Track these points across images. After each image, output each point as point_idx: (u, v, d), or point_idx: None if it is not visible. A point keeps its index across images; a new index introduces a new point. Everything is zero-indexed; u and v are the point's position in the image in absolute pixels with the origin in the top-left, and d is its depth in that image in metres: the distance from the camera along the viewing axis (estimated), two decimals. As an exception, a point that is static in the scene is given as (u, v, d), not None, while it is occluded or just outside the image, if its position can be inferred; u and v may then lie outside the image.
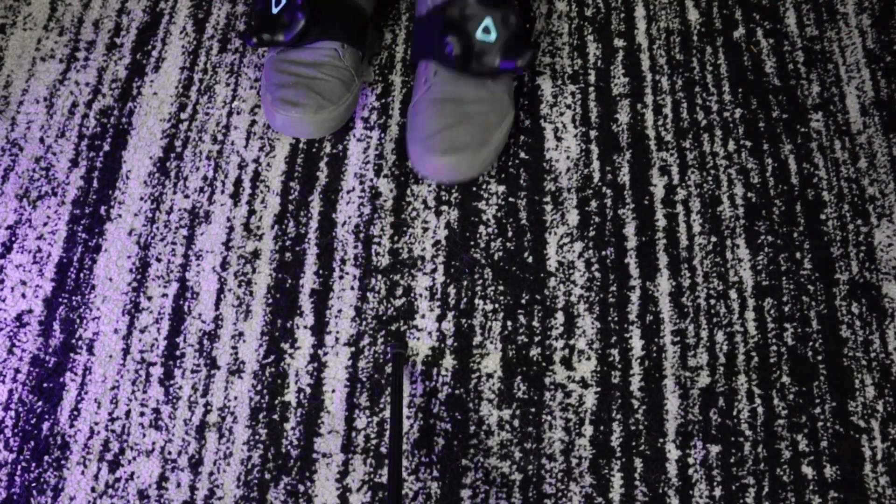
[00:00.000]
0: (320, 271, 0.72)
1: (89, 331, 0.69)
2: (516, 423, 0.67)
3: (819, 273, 0.73)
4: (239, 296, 0.71)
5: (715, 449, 0.66)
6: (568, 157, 0.77)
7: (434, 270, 0.72)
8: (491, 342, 0.69)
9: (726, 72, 0.82)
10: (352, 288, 0.71)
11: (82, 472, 0.65)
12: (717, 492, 0.65)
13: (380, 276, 0.72)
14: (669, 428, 0.67)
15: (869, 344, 0.70)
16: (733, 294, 0.72)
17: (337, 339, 0.69)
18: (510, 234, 0.74)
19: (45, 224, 0.73)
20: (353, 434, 0.66)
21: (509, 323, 0.70)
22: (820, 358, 0.70)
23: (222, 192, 0.75)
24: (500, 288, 0.72)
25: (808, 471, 0.66)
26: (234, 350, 0.69)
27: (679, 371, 0.69)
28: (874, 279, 0.73)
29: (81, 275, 0.71)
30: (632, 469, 0.65)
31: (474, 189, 0.76)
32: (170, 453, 0.65)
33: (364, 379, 0.68)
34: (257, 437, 0.66)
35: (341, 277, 0.72)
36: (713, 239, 0.74)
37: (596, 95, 0.81)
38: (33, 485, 0.64)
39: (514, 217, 0.75)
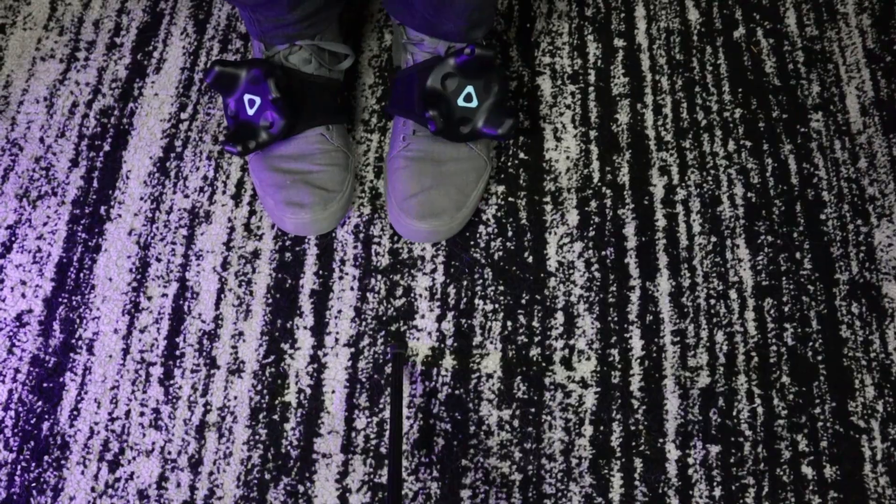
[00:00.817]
0: (320, 272, 0.72)
1: (89, 331, 0.69)
2: (516, 423, 0.67)
3: (819, 273, 0.73)
4: (239, 296, 0.71)
5: (715, 449, 0.66)
6: (568, 158, 0.77)
7: (434, 270, 0.72)
8: (491, 342, 0.69)
9: (726, 72, 0.82)
10: (352, 288, 0.71)
11: (82, 472, 0.65)
12: (717, 492, 0.65)
13: (380, 277, 0.72)
14: (669, 428, 0.67)
15: (869, 344, 0.70)
16: (733, 294, 0.72)
17: (337, 340, 0.69)
18: (510, 234, 0.74)
19: (45, 224, 0.73)
20: (353, 434, 0.66)
21: (509, 323, 0.70)
22: (820, 358, 0.70)
23: (223, 192, 0.75)
24: (500, 288, 0.72)
25: (808, 471, 0.66)
26: (234, 350, 0.69)
27: (679, 371, 0.69)
28: (874, 279, 0.73)
29: (81, 275, 0.71)
30: (632, 469, 0.65)
31: (474, 189, 0.76)
32: (170, 453, 0.65)
33: (364, 379, 0.68)
34: (257, 437, 0.66)
35: (341, 278, 0.72)
36: (713, 239, 0.74)
37: (596, 95, 0.81)
38: (33, 485, 0.64)
39: (514, 217, 0.75)
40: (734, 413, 0.68)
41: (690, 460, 0.66)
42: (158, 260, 0.72)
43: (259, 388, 0.68)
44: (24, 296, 0.71)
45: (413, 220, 0.67)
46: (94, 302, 0.70)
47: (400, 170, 0.69)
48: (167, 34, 0.83)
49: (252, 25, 0.69)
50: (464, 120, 0.67)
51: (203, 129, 0.78)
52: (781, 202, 0.76)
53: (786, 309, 0.72)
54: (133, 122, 0.78)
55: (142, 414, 0.67)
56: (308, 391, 0.67)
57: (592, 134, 0.79)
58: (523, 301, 0.71)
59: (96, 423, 0.66)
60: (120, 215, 0.74)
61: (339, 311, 0.70)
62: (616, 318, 0.71)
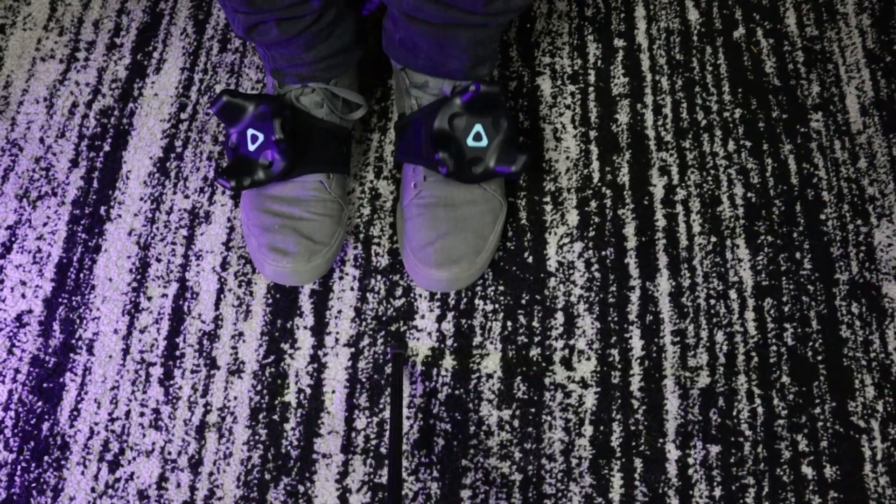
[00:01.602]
0: (320, 271, 0.72)
1: (89, 331, 0.69)
2: (516, 423, 0.67)
3: (819, 273, 0.73)
4: (239, 296, 0.71)
5: (715, 449, 0.66)
6: (567, 158, 0.77)
7: (434, 270, 0.72)
8: (491, 342, 0.69)
9: (726, 72, 0.82)
10: (352, 288, 0.71)
11: (82, 473, 0.65)
12: (717, 492, 0.65)
13: (379, 277, 0.72)
14: (669, 428, 0.67)
15: (869, 344, 0.70)
16: (733, 294, 0.72)
17: (337, 340, 0.69)
18: (510, 234, 0.74)
19: (45, 224, 0.73)
20: (353, 434, 0.66)
21: (509, 323, 0.70)
22: (820, 358, 0.70)
23: (223, 192, 0.75)
24: (500, 288, 0.72)
25: (808, 471, 0.66)
26: (234, 350, 0.69)
27: (679, 371, 0.69)
28: (874, 279, 0.73)
29: (81, 275, 0.71)
30: (632, 469, 0.65)
31: (474, 189, 0.76)
32: (170, 453, 0.65)
33: (364, 379, 0.68)
34: (257, 437, 0.66)
35: (341, 278, 0.72)
36: (713, 239, 0.74)
37: (596, 95, 0.81)
38: (33, 485, 0.64)
39: (514, 217, 0.75)
40: (734, 413, 0.68)
41: (690, 460, 0.66)
42: (158, 260, 0.72)
43: (259, 388, 0.68)
44: (24, 296, 0.71)
45: (431, 269, 0.64)
46: (94, 302, 0.70)
47: (414, 218, 0.67)
48: (167, 34, 0.83)
49: (267, 60, 0.68)
50: (475, 160, 0.65)
51: (203, 129, 0.78)
52: (781, 202, 0.76)
53: (786, 309, 0.72)
54: (133, 123, 0.78)
55: (142, 414, 0.67)
56: (308, 391, 0.68)
57: (592, 134, 0.79)
58: (523, 301, 0.71)
59: (96, 424, 0.66)
60: (120, 215, 0.74)
61: (340, 311, 0.70)
62: (616, 318, 0.71)
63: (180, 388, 0.67)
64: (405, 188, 0.70)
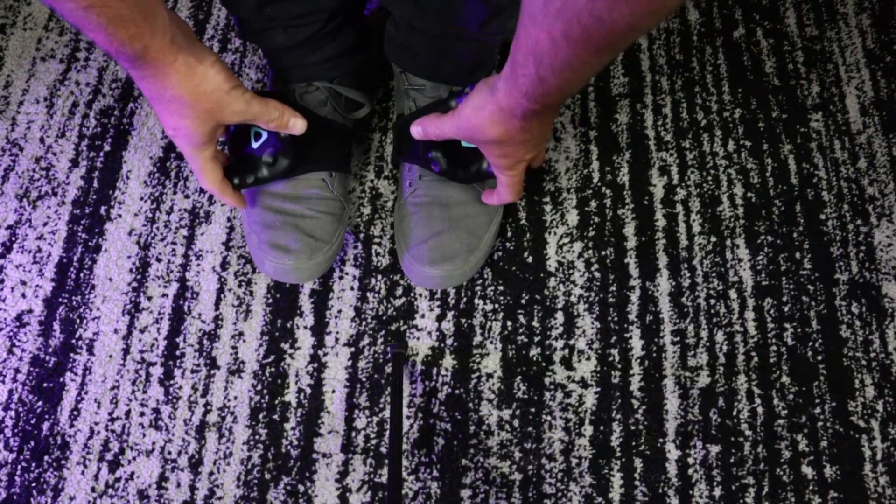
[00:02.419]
0: (320, 271, 0.72)
1: (89, 331, 0.69)
2: (516, 422, 0.67)
3: (819, 273, 0.73)
4: (239, 296, 0.71)
5: (715, 449, 0.66)
6: (567, 158, 0.77)
7: (434, 270, 0.72)
8: (491, 342, 0.69)
9: (726, 72, 0.82)
10: (352, 288, 0.71)
11: (82, 472, 0.65)
12: (717, 492, 0.65)
13: (380, 277, 0.72)
14: (669, 428, 0.67)
15: (869, 344, 0.70)
16: (733, 294, 0.72)
17: (337, 340, 0.69)
18: (510, 234, 0.74)
19: (46, 224, 0.73)
20: (353, 434, 0.66)
21: (509, 323, 0.70)
22: (820, 358, 0.70)
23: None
24: (500, 288, 0.72)
25: (808, 471, 0.66)
26: (234, 350, 0.69)
27: (679, 371, 0.69)
28: (874, 279, 0.73)
29: (81, 275, 0.71)
30: (632, 469, 0.65)
31: (474, 189, 0.76)
32: (170, 453, 0.65)
33: (364, 379, 0.68)
34: (257, 437, 0.66)
35: (341, 278, 0.72)
36: (713, 239, 0.74)
37: (595, 95, 0.81)
38: (33, 485, 0.64)
39: (514, 217, 0.75)
40: (734, 413, 0.68)
41: (690, 460, 0.66)
42: (158, 260, 0.72)
43: (259, 387, 0.68)
44: (24, 296, 0.71)
45: (424, 266, 0.65)
46: (95, 302, 0.70)
47: (409, 216, 0.68)
48: (167, 34, 0.83)
49: (270, 60, 0.68)
50: (469, 161, 0.64)
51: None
52: (781, 202, 0.76)
53: (786, 309, 0.72)
54: (133, 123, 0.78)
55: (142, 414, 0.67)
56: (308, 391, 0.68)
57: (592, 134, 0.79)
58: (523, 301, 0.71)
59: (96, 423, 0.66)
60: (120, 215, 0.74)
61: (340, 311, 0.70)
62: (616, 318, 0.71)
63: (180, 387, 0.67)
64: (402, 187, 0.71)
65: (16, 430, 0.66)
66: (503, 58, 0.82)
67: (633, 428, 0.67)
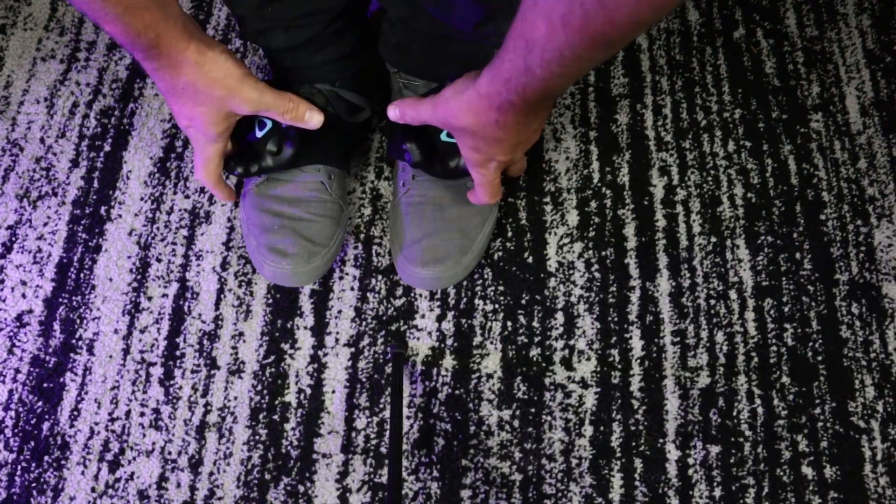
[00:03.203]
0: (320, 271, 0.72)
1: (89, 331, 0.69)
2: (516, 423, 0.67)
3: (819, 273, 0.73)
4: (239, 296, 0.71)
5: (715, 449, 0.66)
6: (567, 158, 0.77)
7: (434, 271, 0.72)
8: (491, 342, 0.69)
9: (726, 72, 0.82)
10: (352, 288, 0.71)
11: (82, 472, 0.65)
12: (717, 492, 0.65)
13: (380, 277, 0.72)
14: (669, 428, 0.67)
15: (869, 344, 0.70)
16: (733, 294, 0.72)
17: (337, 340, 0.69)
18: (510, 234, 0.74)
19: (46, 224, 0.73)
20: (353, 434, 0.66)
21: (509, 323, 0.70)
22: (820, 358, 0.70)
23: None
24: (500, 288, 0.72)
25: (808, 471, 0.66)
26: (234, 350, 0.69)
27: (679, 371, 0.69)
28: (874, 279, 0.73)
29: (81, 275, 0.71)
30: (632, 469, 0.65)
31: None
32: (170, 453, 0.65)
33: (364, 379, 0.68)
34: (257, 437, 0.66)
35: (341, 278, 0.72)
36: (713, 239, 0.74)
37: (595, 96, 0.81)
38: (33, 485, 0.64)
39: (514, 217, 0.75)
40: (734, 413, 0.68)
41: (690, 460, 0.66)
42: (159, 260, 0.72)
43: (259, 388, 0.68)
44: (24, 296, 0.71)
45: (417, 266, 0.65)
46: (95, 302, 0.70)
47: (402, 216, 0.68)
48: (167, 35, 0.83)
49: (274, 62, 0.68)
50: (448, 155, 0.64)
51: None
52: (781, 202, 0.76)
53: (786, 309, 0.72)
54: (133, 123, 0.78)
55: (142, 414, 0.67)
56: (308, 391, 0.68)
57: (592, 134, 0.79)
58: (523, 301, 0.71)
59: (96, 424, 0.66)
60: (120, 215, 0.74)
61: (340, 311, 0.70)
62: (616, 319, 0.71)
63: (180, 388, 0.67)
64: (395, 186, 0.71)
65: (16, 431, 0.66)
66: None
67: (633, 428, 0.67)
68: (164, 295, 0.71)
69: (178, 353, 0.69)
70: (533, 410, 0.67)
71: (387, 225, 0.74)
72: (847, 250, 0.74)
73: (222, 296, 0.71)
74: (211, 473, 0.65)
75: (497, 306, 0.71)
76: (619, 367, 0.69)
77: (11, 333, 0.69)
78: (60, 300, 0.70)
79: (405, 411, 0.67)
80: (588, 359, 0.69)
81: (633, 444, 0.66)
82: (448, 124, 0.53)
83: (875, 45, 0.84)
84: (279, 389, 0.68)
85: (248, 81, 0.55)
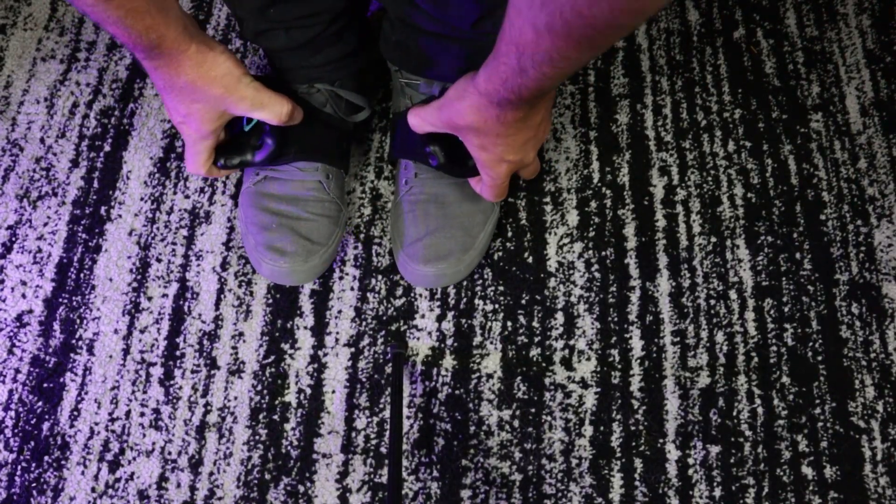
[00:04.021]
0: (320, 271, 0.72)
1: (89, 331, 0.69)
2: (516, 423, 0.67)
3: (819, 273, 0.73)
4: (239, 296, 0.71)
5: (715, 449, 0.66)
6: (567, 158, 0.77)
7: (434, 271, 0.72)
8: (491, 342, 0.69)
9: (726, 72, 0.82)
10: (352, 288, 0.71)
11: (82, 473, 0.65)
12: (717, 492, 0.65)
13: (380, 277, 0.72)
14: (669, 428, 0.67)
15: (869, 344, 0.70)
16: (733, 294, 0.72)
17: (337, 340, 0.69)
18: (510, 234, 0.74)
19: (46, 224, 0.73)
20: (353, 434, 0.66)
21: (509, 323, 0.70)
22: (820, 358, 0.70)
23: (223, 192, 0.75)
24: (500, 288, 0.72)
25: (808, 471, 0.66)
26: (234, 350, 0.69)
27: (679, 371, 0.69)
28: (874, 279, 0.73)
29: (81, 275, 0.71)
30: (632, 469, 0.65)
31: (474, 189, 0.76)
32: (170, 453, 0.65)
33: (364, 379, 0.68)
34: (257, 437, 0.66)
35: (341, 278, 0.72)
36: (713, 239, 0.74)
37: (595, 96, 0.81)
38: (33, 485, 0.64)
39: (514, 217, 0.75)
40: (734, 413, 0.68)
41: (690, 460, 0.66)
42: (159, 260, 0.72)
43: (259, 388, 0.68)
44: (24, 296, 0.71)
45: (419, 264, 0.65)
46: (95, 302, 0.70)
47: (404, 214, 0.68)
48: (167, 35, 0.83)
49: (274, 62, 0.68)
50: (467, 155, 0.64)
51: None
52: (781, 202, 0.76)
53: (786, 309, 0.72)
54: (133, 123, 0.78)
55: (142, 414, 0.67)
56: (308, 391, 0.68)
57: (592, 134, 0.79)
58: (523, 301, 0.71)
59: (96, 424, 0.66)
60: (120, 216, 0.74)
61: (340, 311, 0.70)
62: (616, 319, 0.71)
63: (180, 388, 0.67)
64: (397, 184, 0.71)
65: (16, 431, 0.66)
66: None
67: (633, 428, 0.67)
68: (164, 295, 0.71)
69: (178, 353, 0.69)
70: (533, 410, 0.67)
71: (387, 224, 0.74)
72: (847, 250, 0.74)
73: (222, 296, 0.71)
74: (211, 473, 0.65)
75: (497, 306, 0.71)
76: (619, 367, 0.69)
77: (11, 333, 0.69)
78: (60, 300, 0.70)
79: (405, 411, 0.67)
80: (588, 359, 0.69)
81: (633, 444, 0.66)
82: (454, 124, 0.54)
83: (875, 45, 0.84)
84: (279, 389, 0.68)
85: (246, 80, 0.56)
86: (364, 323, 0.70)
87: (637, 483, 0.65)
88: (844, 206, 0.76)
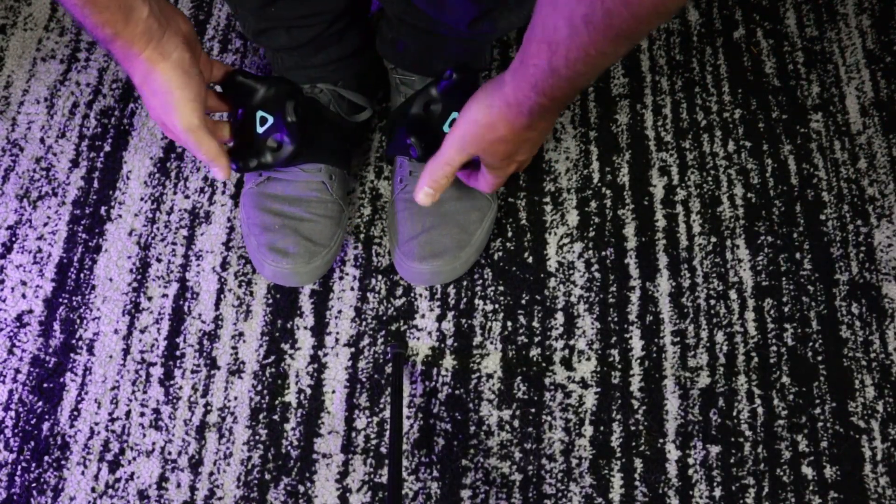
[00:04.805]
0: (320, 271, 0.72)
1: (89, 331, 0.69)
2: (516, 423, 0.67)
3: (819, 273, 0.73)
4: (239, 296, 0.71)
5: (715, 449, 0.66)
6: (567, 158, 0.77)
7: (434, 271, 0.72)
8: (491, 342, 0.69)
9: (726, 72, 0.82)
10: (352, 288, 0.71)
11: (82, 473, 0.65)
12: (717, 492, 0.65)
13: (380, 277, 0.72)
14: (669, 428, 0.67)
15: (869, 344, 0.70)
16: (733, 294, 0.72)
17: (337, 340, 0.69)
18: (510, 234, 0.74)
19: (46, 224, 0.73)
20: (353, 434, 0.66)
21: (509, 323, 0.70)
22: (820, 358, 0.70)
23: (223, 192, 0.75)
24: (500, 288, 0.72)
25: (808, 471, 0.66)
26: (234, 350, 0.69)
27: (679, 371, 0.69)
28: (874, 279, 0.73)
29: (81, 275, 0.71)
30: (632, 469, 0.65)
31: (474, 189, 0.76)
32: (170, 453, 0.65)
33: (364, 379, 0.68)
34: (257, 437, 0.66)
35: (341, 278, 0.72)
36: (713, 239, 0.74)
37: (595, 96, 0.81)
38: (33, 485, 0.64)
39: (514, 217, 0.75)
40: (734, 413, 0.68)
41: (690, 460, 0.66)
42: (159, 260, 0.72)
43: (259, 388, 0.68)
44: (24, 296, 0.71)
45: (414, 261, 0.65)
46: (95, 302, 0.70)
47: (400, 212, 0.68)
48: (167, 35, 0.83)
49: (276, 62, 0.68)
50: None
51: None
52: (781, 202, 0.76)
53: (786, 309, 0.72)
54: (133, 123, 0.78)
55: (142, 414, 0.67)
56: (308, 391, 0.68)
57: (592, 134, 0.79)
58: (523, 301, 0.71)
59: (96, 424, 0.66)
60: (120, 216, 0.74)
61: (340, 311, 0.70)
62: (616, 319, 0.71)
63: (180, 388, 0.67)
64: (394, 182, 0.71)
65: (16, 431, 0.66)
66: (504, 55, 0.82)
67: (633, 428, 0.67)
68: (164, 295, 0.71)
69: (178, 353, 0.69)
70: (533, 410, 0.67)
71: (386, 224, 0.74)
72: (847, 250, 0.74)
73: (222, 296, 0.71)
74: (211, 473, 0.65)
75: (497, 306, 0.71)
76: (619, 367, 0.69)
77: (11, 333, 0.69)
78: (60, 300, 0.70)
79: (405, 411, 0.67)
80: (588, 359, 0.69)
81: (633, 444, 0.66)
82: (482, 142, 0.51)
83: (875, 45, 0.84)
84: (279, 389, 0.68)
85: (185, 108, 0.52)
86: (364, 323, 0.70)
87: (637, 483, 0.65)
88: (844, 206, 0.76)
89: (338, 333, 0.70)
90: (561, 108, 0.47)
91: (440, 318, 0.70)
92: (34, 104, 0.79)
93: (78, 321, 0.70)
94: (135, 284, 0.71)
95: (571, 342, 0.70)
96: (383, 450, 0.66)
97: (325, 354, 0.69)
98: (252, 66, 0.81)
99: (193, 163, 0.77)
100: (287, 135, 0.62)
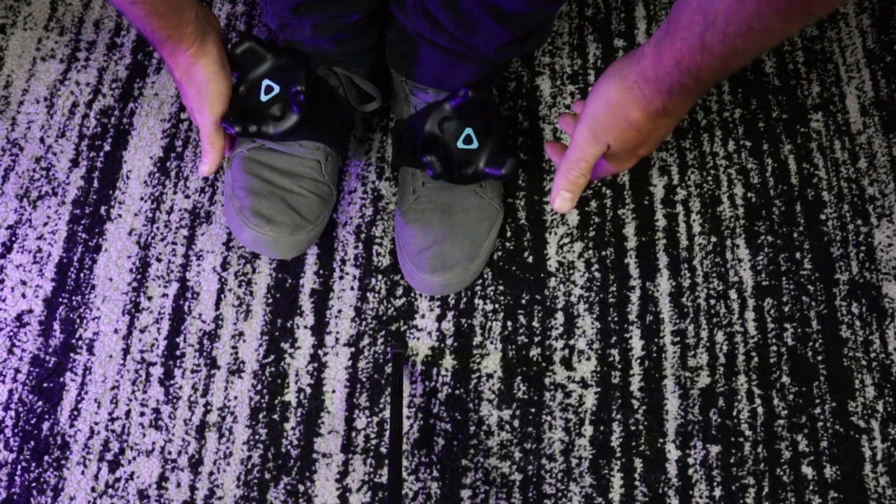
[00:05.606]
0: (320, 271, 0.72)
1: (89, 331, 0.69)
2: (516, 423, 0.67)
3: (819, 273, 0.73)
4: (239, 296, 0.71)
5: (715, 449, 0.66)
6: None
7: (434, 270, 0.72)
8: (491, 342, 0.69)
9: (726, 72, 0.82)
10: (352, 288, 0.71)
11: (82, 472, 0.65)
12: (717, 492, 0.65)
13: (380, 277, 0.72)
14: (669, 428, 0.67)
15: (869, 344, 0.70)
16: (733, 294, 0.72)
17: (337, 340, 0.69)
18: (510, 234, 0.74)
19: (46, 224, 0.73)
20: (353, 434, 0.66)
21: (509, 323, 0.70)
22: (820, 358, 0.70)
23: (223, 192, 0.75)
24: (500, 288, 0.72)
25: (808, 471, 0.66)
26: (234, 350, 0.69)
27: (679, 371, 0.69)
28: (874, 279, 0.73)
29: (81, 275, 0.71)
30: (632, 469, 0.65)
31: (474, 189, 0.76)
32: (170, 453, 0.65)
33: (364, 379, 0.68)
34: (257, 437, 0.66)
35: (341, 278, 0.72)
36: (713, 239, 0.74)
37: (596, 96, 0.81)
38: (33, 485, 0.64)
39: (514, 217, 0.75)
40: (734, 413, 0.68)
41: (690, 460, 0.66)
42: (159, 260, 0.72)
43: (259, 387, 0.68)
44: (24, 296, 0.71)
45: (426, 273, 0.65)
46: (95, 302, 0.70)
47: (411, 223, 0.68)
48: (167, 34, 0.83)
49: (292, 42, 0.68)
50: (466, 162, 0.65)
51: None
52: (781, 202, 0.76)
53: (786, 309, 0.72)
54: (133, 122, 0.78)
55: (142, 414, 0.67)
56: (308, 391, 0.68)
57: (592, 134, 0.79)
58: (523, 301, 0.71)
59: (96, 423, 0.66)
60: (120, 215, 0.74)
61: (340, 311, 0.70)
62: (616, 318, 0.71)
63: (180, 387, 0.67)
64: (402, 193, 0.71)
65: (16, 430, 0.66)
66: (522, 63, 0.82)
67: (633, 428, 0.67)
68: (164, 295, 0.71)
69: (178, 352, 0.69)
70: (533, 410, 0.67)
71: (388, 225, 0.74)
72: (847, 250, 0.74)
73: (222, 295, 0.71)
74: (211, 473, 0.65)
75: (497, 306, 0.71)
76: (619, 367, 0.69)
77: (11, 333, 0.69)
78: (60, 300, 0.70)
79: (405, 411, 0.67)
80: (588, 359, 0.69)
81: (633, 444, 0.66)
82: (613, 128, 0.45)
83: (875, 45, 0.84)
84: (279, 389, 0.68)
85: (216, 100, 0.61)
86: (364, 323, 0.70)
87: (637, 483, 0.65)
88: (844, 206, 0.76)
89: (338, 333, 0.70)
90: (702, 93, 0.41)
91: (440, 318, 0.70)
92: (34, 104, 0.79)
93: (78, 321, 0.70)
94: (135, 284, 0.71)
95: (571, 342, 0.70)
96: (383, 450, 0.66)
97: (325, 354, 0.69)
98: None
99: (193, 162, 0.77)
100: (293, 105, 0.62)
